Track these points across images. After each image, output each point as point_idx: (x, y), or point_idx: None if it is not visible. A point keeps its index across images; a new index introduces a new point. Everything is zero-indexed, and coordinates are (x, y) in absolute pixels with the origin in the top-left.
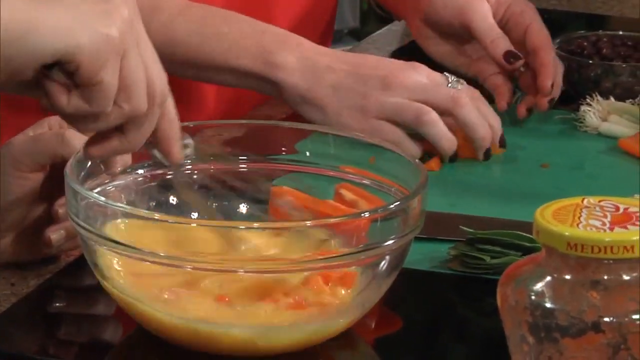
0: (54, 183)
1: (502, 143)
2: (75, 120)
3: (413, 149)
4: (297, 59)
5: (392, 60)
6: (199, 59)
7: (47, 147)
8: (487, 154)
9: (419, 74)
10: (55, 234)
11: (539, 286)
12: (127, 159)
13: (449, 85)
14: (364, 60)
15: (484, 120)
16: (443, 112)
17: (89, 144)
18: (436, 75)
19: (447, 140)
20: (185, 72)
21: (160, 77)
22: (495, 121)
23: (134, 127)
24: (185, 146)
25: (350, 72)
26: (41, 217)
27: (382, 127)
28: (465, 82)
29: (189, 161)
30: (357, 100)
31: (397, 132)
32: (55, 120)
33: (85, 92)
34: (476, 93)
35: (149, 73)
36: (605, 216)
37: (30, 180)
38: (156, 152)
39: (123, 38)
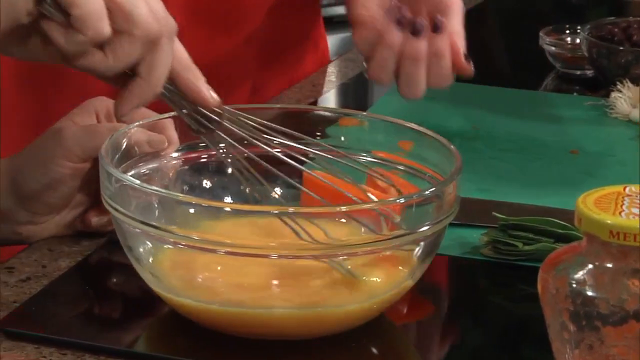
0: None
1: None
2: (82, 59)
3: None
4: None
5: None
6: None
7: (102, 142)
8: None
9: None
10: (96, 218)
11: (580, 274)
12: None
13: None
14: None
15: None
16: None
17: (116, 105)
18: None
19: None
20: None
21: (160, 4)
22: None
23: (147, 66)
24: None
25: None
26: (86, 197)
27: None
28: None
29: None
30: None
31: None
32: (100, 103)
33: (75, 19)
34: None
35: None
36: None
37: (78, 170)
38: (185, 113)
39: None
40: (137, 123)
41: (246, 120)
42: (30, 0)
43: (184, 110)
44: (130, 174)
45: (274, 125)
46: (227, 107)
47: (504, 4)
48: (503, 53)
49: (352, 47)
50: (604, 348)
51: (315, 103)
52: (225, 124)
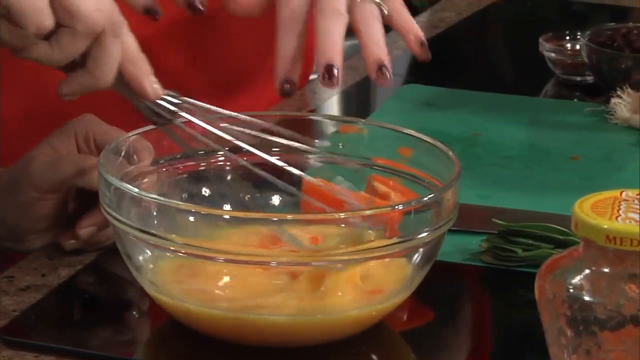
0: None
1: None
2: (28, 51)
3: None
4: None
5: None
6: None
7: (65, 177)
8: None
9: None
10: (71, 241)
11: (577, 279)
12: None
13: None
14: None
15: None
16: None
17: (59, 84)
18: None
19: None
20: None
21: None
22: None
23: (92, 60)
24: (173, 96)
25: None
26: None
27: None
28: None
29: (183, 113)
30: None
31: None
32: (81, 125)
33: (14, 15)
34: None
35: None
36: None
37: (47, 198)
38: (138, 104)
39: None
40: (135, 131)
41: (213, 115)
42: None
43: (135, 102)
44: (128, 181)
45: (244, 117)
46: (190, 100)
47: (504, 11)
48: (503, 59)
49: (353, 55)
50: (602, 353)
51: (315, 110)
52: (183, 115)
